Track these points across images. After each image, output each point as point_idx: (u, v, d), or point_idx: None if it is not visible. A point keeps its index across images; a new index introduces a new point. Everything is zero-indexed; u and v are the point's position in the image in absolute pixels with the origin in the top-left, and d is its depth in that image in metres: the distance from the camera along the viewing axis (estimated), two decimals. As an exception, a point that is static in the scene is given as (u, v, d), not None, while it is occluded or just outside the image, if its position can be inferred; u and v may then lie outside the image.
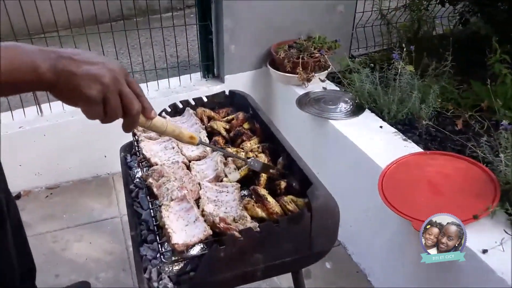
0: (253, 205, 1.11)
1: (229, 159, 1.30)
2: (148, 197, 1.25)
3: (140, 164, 1.37)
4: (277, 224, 1.03)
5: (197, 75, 2.92)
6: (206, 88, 2.80)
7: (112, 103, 0.77)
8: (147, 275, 1.09)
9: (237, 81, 2.76)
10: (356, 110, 2.29)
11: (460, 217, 1.51)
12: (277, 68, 2.61)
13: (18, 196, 2.73)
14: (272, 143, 1.33)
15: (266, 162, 1.24)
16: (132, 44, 2.84)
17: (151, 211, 1.21)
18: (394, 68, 2.23)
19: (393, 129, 2.12)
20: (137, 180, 1.40)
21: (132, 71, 2.80)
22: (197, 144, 1.02)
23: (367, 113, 2.26)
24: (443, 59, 2.29)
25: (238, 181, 1.24)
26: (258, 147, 1.34)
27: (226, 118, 1.51)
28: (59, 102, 2.74)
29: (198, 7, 2.68)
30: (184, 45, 2.84)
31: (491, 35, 2.38)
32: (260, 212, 1.10)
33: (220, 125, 1.44)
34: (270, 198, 1.12)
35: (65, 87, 0.73)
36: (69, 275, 2.17)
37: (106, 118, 0.80)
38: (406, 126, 2.19)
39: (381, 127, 2.14)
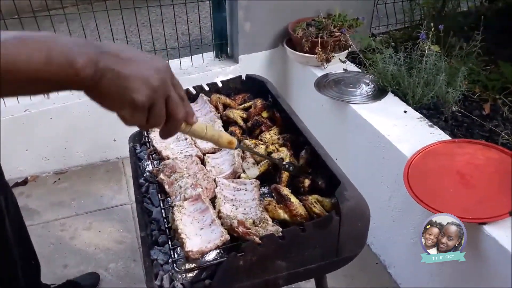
0: (275, 206, 1.02)
1: (247, 152, 1.20)
2: (159, 194, 1.16)
3: (151, 156, 1.28)
4: (302, 229, 0.93)
5: (210, 55, 2.80)
6: (220, 69, 2.68)
7: (158, 109, 0.66)
8: (158, 282, 1.01)
9: (252, 61, 2.64)
10: (378, 93, 2.16)
11: (494, 212, 1.42)
12: (294, 47, 2.47)
13: (25, 182, 2.67)
14: (294, 134, 1.22)
15: (289, 155, 1.14)
16: (142, 22, 2.72)
17: (163, 210, 1.12)
18: (419, 48, 2.08)
19: (418, 114, 1.99)
20: (148, 173, 1.31)
21: (142, 50, 2.68)
22: (235, 149, 0.91)
23: (390, 97, 2.13)
24: (470, 38, 2.13)
25: (257, 178, 1.14)
26: (279, 139, 1.23)
27: (243, 105, 1.40)
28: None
29: (211, -18, 2.54)
30: (196, 22, 2.71)
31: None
32: (283, 214, 1.01)
33: (236, 114, 1.33)
34: (293, 199, 1.02)
35: (108, 88, 0.61)
36: (78, 265, 2.12)
37: (147, 125, 0.69)
38: (431, 111, 2.06)
39: (405, 112, 2.01)
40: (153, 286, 0.99)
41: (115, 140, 2.77)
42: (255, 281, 0.95)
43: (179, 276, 0.97)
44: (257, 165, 1.16)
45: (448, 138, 1.81)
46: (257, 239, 0.92)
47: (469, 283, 1.52)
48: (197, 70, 2.72)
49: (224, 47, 2.75)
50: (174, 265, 0.95)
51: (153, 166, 1.24)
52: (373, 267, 2.06)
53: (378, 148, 1.90)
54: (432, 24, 2.04)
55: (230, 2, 2.55)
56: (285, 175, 1.11)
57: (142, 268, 2.09)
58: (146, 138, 1.34)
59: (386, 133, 1.87)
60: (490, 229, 1.38)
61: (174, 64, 2.74)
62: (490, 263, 1.40)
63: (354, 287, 1.96)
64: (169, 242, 1.01)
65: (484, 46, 2.09)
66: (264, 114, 1.35)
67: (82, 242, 2.26)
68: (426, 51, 2.02)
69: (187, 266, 0.95)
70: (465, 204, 1.47)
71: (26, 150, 2.64)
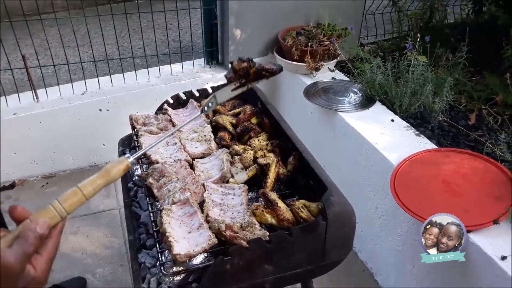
0: (262, 210, 1.03)
1: (236, 157, 1.21)
2: (148, 198, 1.17)
3: (140, 160, 1.28)
4: (289, 233, 0.94)
5: (201, 61, 2.82)
6: (210, 76, 2.69)
7: None
8: (145, 285, 1.01)
9: (242, 68, 2.65)
10: (366, 102, 2.19)
11: (479, 220, 1.44)
12: (284, 56, 2.50)
13: (13, 185, 2.65)
14: (283, 141, 1.24)
15: (276, 161, 1.15)
16: (133, 28, 2.72)
17: (151, 214, 1.12)
18: (406, 59, 2.12)
19: (405, 123, 2.02)
20: (136, 177, 1.31)
21: (133, 56, 2.69)
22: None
23: (377, 106, 2.16)
24: (456, 49, 2.18)
25: (245, 182, 1.15)
26: (267, 145, 1.24)
27: (233, 111, 1.41)
28: (56, 88, 2.67)
29: (203, -11, 2.56)
30: (187, 29, 2.72)
31: (509, 24, 2.27)
32: (270, 219, 1.02)
33: (226, 120, 1.34)
34: (281, 204, 1.03)
35: None
36: (65, 270, 2.10)
37: None
38: (418, 120, 2.09)
39: (392, 120, 2.04)
40: (139, 289, 0.99)
41: (104, 145, 2.76)
42: (242, 285, 0.96)
43: (167, 279, 0.98)
44: (246, 170, 1.17)
45: (435, 147, 1.84)
46: (244, 243, 0.92)
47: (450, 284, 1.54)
48: (187, 76, 2.73)
49: (214, 54, 2.77)
50: (162, 268, 0.95)
51: (142, 170, 1.24)
52: (360, 274, 2.07)
53: (366, 156, 1.93)
54: (419, 35, 2.08)
55: (221, 9, 2.57)
56: (270, 179, 1.12)
57: (129, 273, 2.08)
58: (136, 142, 1.34)
59: (373, 141, 1.90)
60: (475, 237, 1.40)
61: (165, 70, 2.75)
62: (474, 270, 1.42)
63: (341, 294, 1.96)
64: (157, 246, 1.01)
65: (470, 58, 2.14)
66: (253, 120, 1.36)
67: (69, 247, 2.24)
68: (413, 61, 2.05)
69: (175, 269, 0.95)
70: (451, 212, 1.48)
71: (14, 153, 2.63)
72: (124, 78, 2.71)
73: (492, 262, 1.34)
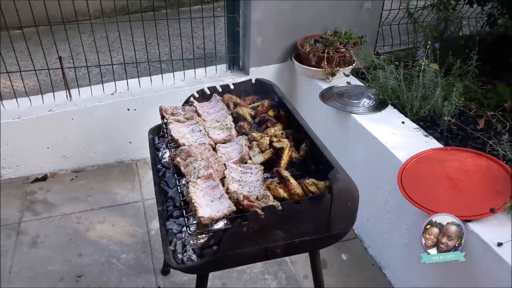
0: (276, 185, 1.16)
1: (254, 142, 1.35)
2: (175, 175, 1.31)
3: (169, 145, 1.44)
4: (299, 203, 1.07)
5: (223, 67, 2.99)
6: (231, 80, 2.85)
7: None
8: (172, 247, 1.15)
9: (262, 73, 2.81)
10: (379, 106, 2.31)
11: (478, 211, 1.54)
12: (302, 62, 2.65)
13: (45, 178, 2.83)
14: (296, 130, 1.38)
15: (289, 145, 1.29)
16: (160, 35, 2.91)
17: (178, 187, 1.27)
18: (418, 65, 2.24)
19: (415, 125, 2.14)
20: (165, 160, 1.47)
21: (160, 60, 2.88)
22: None
23: (389, 109, 2.28)
24: (469, 59, 2.29)
25: (261, 164, 1.29)
26: (282, 133, 1.38)
27: (252, 105, 1.56)
28: (88, 88, 2.87)
29: (227, -1, 2.74)
30: (211, 37, 2.90)
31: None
32: (282, 193, 1.15)
33: (245, 111, 1.49)
34: (292, 180, 1.17)
35: None
36: (92, 255, 2.26)
37: None
38: (428, 123, 2.20)
39: (403, 122, 2.16)
40: (168, 250, 1.14)
41: (130, 143, 2.93)
42: (256, 247, 1.09)
43: (191, 241, 1.12)
44: (262, 153, 1.31)
45: (441, 146, 1.94)
46: (259, 210, 1.06)
47: (457, 277, 1.63)
48: (210, 80, 2.90)
49: (236, 60, 2.93)
50: (188, 229, 1.09)
51: (170, 153, 1.39)
52: (369, 268, 2.17)
53: (376, 154, 2.04)
54: (430, 43, 2.20)
55: (244, 18, 2.74)
56: (284, 160, 1.26)
57: (151, 259, 2.23)
58: (165, 130, 1.50)
59: (384, 141, 2.01)
60: (474, 226, 1.50)
61: (189, 73, 2.93)
62: (473, 256, 1.52)
63: (350, 287, 2.06)
64: (184, 212, 1.15)
65: (481, 67, 2.25)
66: (270, 113, 1.50)
67: (96, 234, 2.41)
68: (422, 66, 2.17)
69: (198, 231, 1.09)
70: (453, 205, 1.60)
71: (47, 148, 2.81)
72: (151, 81, 2.89)
73: (489, 249, 1.43)
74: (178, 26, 2.78)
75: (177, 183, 1.28)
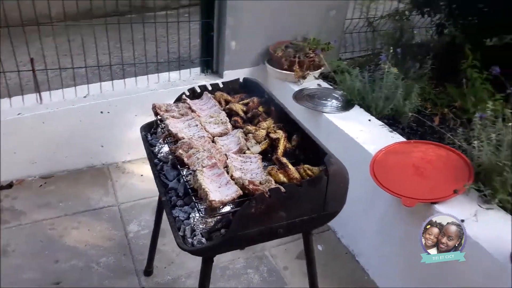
0: (276, 171, 1.30)
1: (249, 134, 1.48)
2: (178, 166, 1.40)
3: (166, 139, 1.53)
4: (299, 185, 1.21)
5: (197, 70, 3.09)
6: (205, 82, 2.94)
7: None
8: (181, 233, 1.25)
9: (235, 76, 2.91)
10: (347, 106, 2.51)
11: (442, 194, 1.75)
12: (275, 66, 2.81)
13: (10, 185, 2.73)
14: (287, 123, 1.52)
15: (284, 136, 1.43)
16: (128, 39, 2.95)
17: (183, 177, 1.36)
18: (380, 69, 2.47)
19: (380, 122, 2.35)
20: (161, 155, 1.55)
21: (135, 62, 2.91)
22: None
23: (356, 108, 2.49)
24: (423, 64, 2.55)
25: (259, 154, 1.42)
26: (274, 126, 1.52)
27: (242, 102, 1.68)
28: (59, 91, 2.84)
29: (202, 4, 2.85)
30: (182, 42, 2.96)
31: (464, 44, 2.67)
32: (282, 178, 1.29)
33: (238, 107, 1.61)
34: (290, 166, 1.30)
35: None
36: (69, 260, 2.22)
37: None
38: (390, 121, 2.43)
39: (369, 120, 2.37)
40: (178, 235, 1.24)
41: (102, 146, 2.93)
42: (262, 228, 1.21)
43: (201, 226, 1.22)
44: (259, 144, 1.44)
45: (405, 140, 2.16)
46: (266, 191, 1.18)
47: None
48: (184, 82, 2.99)
49: (210, 63, 3.04)
50: (200, 212, 1.19)
51: (170, 147, 1.48)
52: (343, 256, 2.34)
53: (348, 149, 2.23)
54: (393, 49, 2.44)
55: (218, 23, 2.86)
56: (280, 150, 1.39)
57: (132, 261, 2.24)
58: (161, 126, 1.59)
59: (354, 136, 2.21)
60: (440, 207, 1.71)
61: (163, 76, 3.00)
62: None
63: (327, 274, 2.21)
64: (193, 198, 1.25)
65: (434, 71, 2.51)
66: (260, 109, 1.64)
67: (72, 240, 2.36)
68: (386, 69, 2.40)
69: (210, 214, 1.20)
70: (421, 190, 1.81)
71: (14, 153, 2.71)
72: (125, 84, 2.93)
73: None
74: (149, 31, 2.82)
75: (182, 173, 1.37)
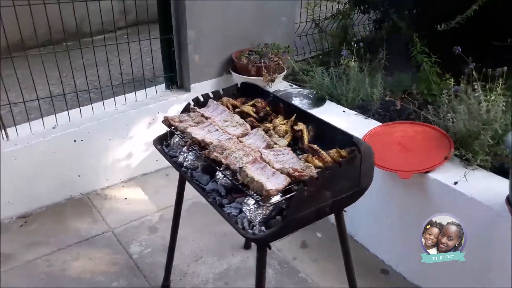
0: (312, 157, 1.41)
1: (271, 131, 1.58)
2: (205, 172, 1.47)
3: (190, 147, 1.58)
4: (339, 165, 1.34)
5: (162, 87, 3.10)
6: (174, 98, 3.00)
7: None
8: (240, 225, 1.32)
9: (203, 88, 3.00)
10: (318, 102, 2.71)
11: (432, 163, 1.98)
12: (240, 73, 2.93)
13: None
14: (301, 116, 1.64)
15: (305, 127, 1.55)
16: (88, 60, 2.90)
17: (220, 179, 1.43)
18: (345, 64, 2.69)
19: (354, 112, 2.57)
20: (187, 163, 1.60)
21: (100, 86, 2.86)
22: None
23: (328, 103, 2.69)
24: (376, 56, 2.83)
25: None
26: (287, 122, 1.64)
27: (248, 104, 1.78)
28: (26, 125, 2.72)
29: (161, 21, 2.89)
30: (136, 61, 2.93)
31: (410, 33, 2.99)
32: (318, 163, 1.41)
33: (248, 108, 1.71)
34: (322, 152, 1.43)
35: None
36: (80, 290, 2.16)
37: None
38: (361, 110, 2.66)
39: (344, 111, 2.58)
40: (237, 228, 1.30)
41: (79, 176, 2.84)
42: (312, 209, 1.32)
43: (258, 217, 1.30)
44: (283, 137, 1.55)
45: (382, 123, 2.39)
46: (314, 174, 1.30)
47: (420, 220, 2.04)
48: (152, 100, 3.00)
49: (174, 79, 3.08)
50: (258, 203, 1.27)
51: (199, 153, 1.53)
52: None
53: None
54: (355, 44, 2.68)
55: (178, 38, 2.92)
56: (306, 139, 1.52)
57: (145, 280, 2.23)
58: (180, 136, 1.63)
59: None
60: (433, 175, 1.94)
61: (130, 97, 2.98)
62: (437, 196, 1.94)
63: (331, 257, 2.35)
64: (248, 191, 1.32)
65: (387, 61, 2.79)
66: (267, 108, 1.74)
67: (75, 271, 2.28)
68: (348, 64, 2.63)
69: (268, 203, 1.28)
70: (410, 163, 2.02)
71: (-16, 195, 2.55)
72: (92, 109, 2.87)
73: (449, 188, 1.87)
74: (98, 55, 2.77)
75: (217, 175, 1.44)
